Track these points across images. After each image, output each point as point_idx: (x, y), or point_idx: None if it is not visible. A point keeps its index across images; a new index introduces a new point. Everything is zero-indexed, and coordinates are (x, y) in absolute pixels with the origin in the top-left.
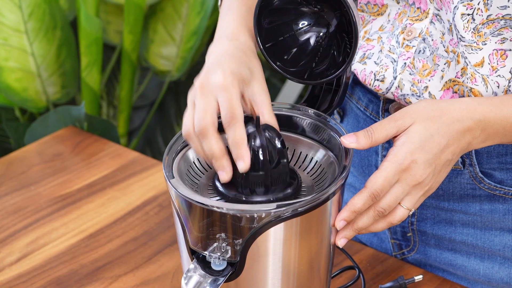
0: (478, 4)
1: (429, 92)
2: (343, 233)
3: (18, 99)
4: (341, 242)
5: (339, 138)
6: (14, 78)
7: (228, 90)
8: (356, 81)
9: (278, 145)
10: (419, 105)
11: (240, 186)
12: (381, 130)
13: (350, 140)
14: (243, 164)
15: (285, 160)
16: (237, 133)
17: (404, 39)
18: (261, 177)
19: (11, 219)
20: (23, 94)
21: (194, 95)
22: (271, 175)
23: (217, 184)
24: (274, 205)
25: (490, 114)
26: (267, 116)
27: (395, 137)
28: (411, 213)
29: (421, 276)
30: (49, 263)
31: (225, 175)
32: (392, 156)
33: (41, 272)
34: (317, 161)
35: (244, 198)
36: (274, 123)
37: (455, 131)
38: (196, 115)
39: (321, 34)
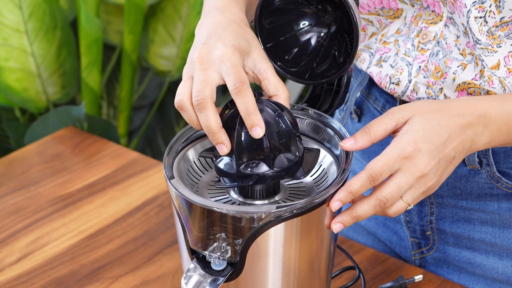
0: (490, 6)
1: (444, 94)
2: (341, 218)
3: (18, 99)
4: (336, 226)
5: (339, 141)
6: (14, 78)
7: (231, 59)
8: (373, 82)
9: (280, 124)
10: (417, 101)
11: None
12: (379, 124)
13: (349, 142)
14: (260, 130)
15: (284, 140)
16: (249, 100)
17: (419, 42)
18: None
19: (11, 219)
20: (23, 94)
21: (192, 69)
22: (270, 150)
23: (220, 165)
24: (273, 205)
25: (490, 109)
26: (273, 80)
27: (395, 132)
28: (409, 207)
29: (421, 276)
30: (49, 263)
31: (224, 148)
32: (395, 143)
33: (41, 272)
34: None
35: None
36: (280, 87)
37: (457, 125)
38: (195, 86)
39: (322, 34)
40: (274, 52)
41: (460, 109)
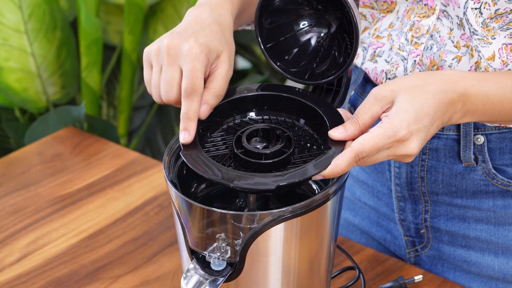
0: None
1: None
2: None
3: (18, 99)
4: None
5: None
6: (14, 78)
7: (193, 61)
8: (367, 79)
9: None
10: (398, 79)
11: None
12: (364, 111)
13: (339, 131)
14: (188, 136)
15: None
16: (192, 107)
17: (413, 36)
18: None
19: (11, 219)
20: (23, 95)
21: (162, 57)
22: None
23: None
24: (273, 206)
25: (471, 88)
26: (215, 84)
27: (383, 112)
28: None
29: (421, 276)
30: (49, 264)
31: (187, 136)
32: (387, 124)
33: (41, 273)
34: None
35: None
36: (218, 94)
37: (441, 103)
38: (163, 86)
39: (322, 34)
40: (274, 52)
41: (444, 85)
